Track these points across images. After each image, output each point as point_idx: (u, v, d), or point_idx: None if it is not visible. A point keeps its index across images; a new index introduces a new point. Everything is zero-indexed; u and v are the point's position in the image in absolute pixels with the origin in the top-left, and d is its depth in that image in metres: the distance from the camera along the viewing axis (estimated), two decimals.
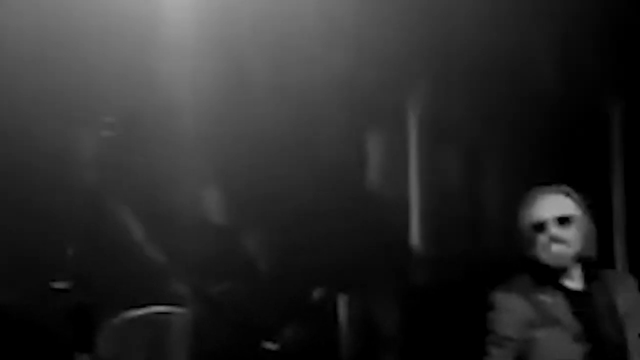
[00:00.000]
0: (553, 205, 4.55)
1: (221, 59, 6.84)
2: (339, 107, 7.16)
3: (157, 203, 6.67)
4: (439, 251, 7.27)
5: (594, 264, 4.60)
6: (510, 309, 4.50)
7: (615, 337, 4.42)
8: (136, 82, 5.72)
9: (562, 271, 4.51)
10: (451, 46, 7.24)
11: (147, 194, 6.62)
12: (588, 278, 4.54)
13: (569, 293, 4.51)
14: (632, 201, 7.30)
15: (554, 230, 4.49)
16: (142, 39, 6.54)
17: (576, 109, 7.30)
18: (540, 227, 4.51)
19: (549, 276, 4.50)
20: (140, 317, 6.20)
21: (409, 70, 7.26)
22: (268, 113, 6.92)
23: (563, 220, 4.51)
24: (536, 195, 4.61)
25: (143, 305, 6.23)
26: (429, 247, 7.30)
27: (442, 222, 7.31)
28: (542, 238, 4.49)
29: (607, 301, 4.47)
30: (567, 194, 4.61)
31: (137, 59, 6.40)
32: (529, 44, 7.38)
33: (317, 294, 6.42)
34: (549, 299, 4.47)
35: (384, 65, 7.18)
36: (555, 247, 4.48)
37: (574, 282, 4.55)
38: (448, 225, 7.29)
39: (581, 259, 4.55)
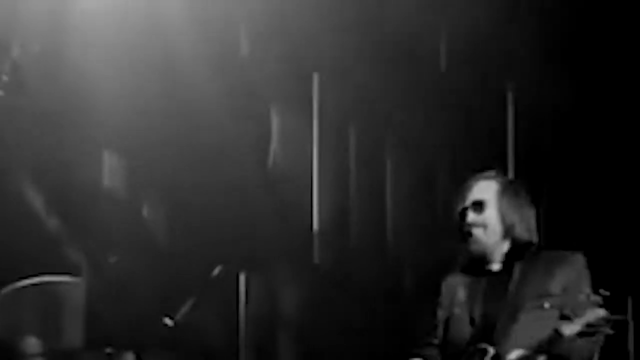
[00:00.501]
0: (469, 192, 4.53)
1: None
2: (245, 82, 7.10)
3: (57, 170, 6.52)
4: (342, 230, 7.25)
5: (539, 247, 4.55)
6: (444, 293, 4.59)
7: (497, 318, 4.39)
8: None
9: (490, 254, 4.48)
10: (354, 26, 7.25)
11: (47, 160, 6.47)
12: (511, 260, 4.49)
13: (489, 276, 4.49)
14: None
15: (470, 215, 4.47)
16: None
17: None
18: (462, 215, 4.50)
19: (476, 260, 4.50)
20: (33, 286, 6.05)
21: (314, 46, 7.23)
22: (171, 84, 6.84)
23: (477, 205, 4.49)
24: (463, 185, 4.59)
25: (36, 274, 6.08)
26: (332, 227, 7.28)
27: (344, 201, 7.28)
28: (463, 225, 4.50)
29: (522, 282, 4.41)
30: (488, 178, 4.57)
31: None
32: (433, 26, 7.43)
33: (217, 270, 6.29)
34: (472, 282, 4.49)
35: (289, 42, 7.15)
36: (473, 232, 4.47)
37: (498, 264, 4.52)
38: (351, 204, 7.26)
39: (516, 242, 4.50)
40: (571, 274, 4.40)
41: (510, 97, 7.71)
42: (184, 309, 5.82)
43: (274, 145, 7.26)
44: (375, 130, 7.51)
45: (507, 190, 4.54)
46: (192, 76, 6.83)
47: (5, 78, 4.65)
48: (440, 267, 7.45)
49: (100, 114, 6.66)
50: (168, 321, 5.76)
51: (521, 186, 4.63)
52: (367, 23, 7.31)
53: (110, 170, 6.80)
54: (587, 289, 4.31)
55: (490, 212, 4.48)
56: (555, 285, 4.39)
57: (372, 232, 7.24)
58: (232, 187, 6.96)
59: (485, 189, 4.53)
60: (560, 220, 6.68)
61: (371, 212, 7.30)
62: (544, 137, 7.62)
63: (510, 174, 7.63)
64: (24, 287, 6.04)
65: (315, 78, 7.47)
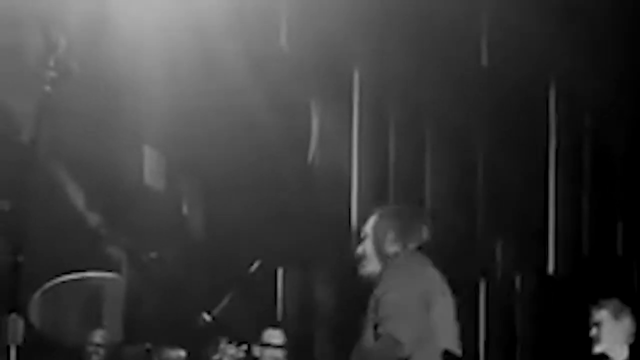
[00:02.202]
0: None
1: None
2: (286, 79, 7.12)
3: (99, 168, 6.58)
4: None
5: None
6: None
7: None
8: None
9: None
10: (393, 22, 7.25)
11: (88, 158, 6.53)
12: None
13: None
14: None
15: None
16: None
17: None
18: None
19: None
20: (74, 282, 6.11)
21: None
22: (212, 82, 6.87)
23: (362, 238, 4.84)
24: None
25: (77, 270, 6.14)
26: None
27: (383, 198, 7.29)
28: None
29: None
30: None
31: None
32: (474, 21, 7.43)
33: (255, 266, 6.33)
34: None
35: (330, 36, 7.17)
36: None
37: None
38: (390, 201, 7.27)
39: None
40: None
41: (552, 90, 7.71)
42: (222, 304, 5.87)
43: (313, 142, 7.29)
44: (415, 125, 7.52)
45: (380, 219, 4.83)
46: (233, 73, 6.86)
47: (53, 74, 4.68)
48: (477, 264, 7.54)
49: (141, 112, 6.71)
50: (206, 316, 5.82)
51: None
52: (407, 18, 7.31)
53: (151, 168, 6.85)
54: None
55: (368, 243, 4.80)
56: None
57: None
58: (272, 183, 7.00)
59: (369, 224, 4.85)
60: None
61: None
62: (586, 131, 7.63)
63: (552, 166, 7.65)
64: (66, 282, 6.11)
65: (355, 74, 7.48)
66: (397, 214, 4.87)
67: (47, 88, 4.64)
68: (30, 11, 6.23)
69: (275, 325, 6.25)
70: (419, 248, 4.77)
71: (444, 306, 4.67)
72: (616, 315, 5.64)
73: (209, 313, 5.85)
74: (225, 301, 5.90)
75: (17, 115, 6.26)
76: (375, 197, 7.28)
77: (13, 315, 4.40)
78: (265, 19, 7.07)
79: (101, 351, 5.94)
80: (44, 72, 4.64)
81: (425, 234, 4.81)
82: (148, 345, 5.83)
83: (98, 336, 6.04)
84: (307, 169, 7.23)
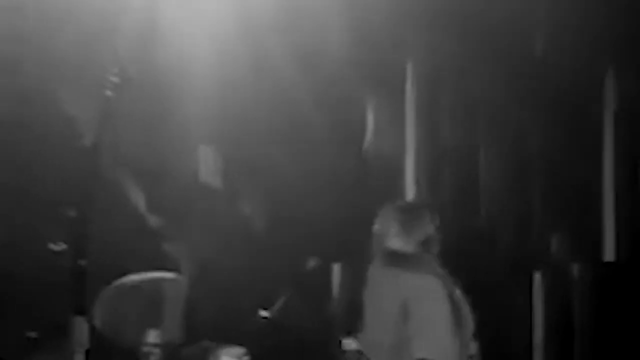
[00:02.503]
0: None
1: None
2: (339, 73, 7.12)
3: (155, 165, 6.62)
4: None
5: None
6: None
7: None
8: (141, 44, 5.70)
9: None
10: (447, 15, 7.23)
11: (145, 158, 6.58)
12: None
13: None
14: None
15: None
16: None
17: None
18: None
19: None
20: (136, 283, 6.15)
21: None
22: (265, 78, 6.89)
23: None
24: None
25: (138, 270, 6.18)
26: None
27: (437, 193, 7.29)
28: None
29: None
30: None
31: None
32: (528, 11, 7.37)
33: (311, 262, 6.37)
34: None
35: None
36: None
37: None
38: (443, 196, 7.26)
39: None
40: None
41: (608, 81, 7.64)
42: (280, 301, 5.91)
43: (368, 136, 7.29)
44: (469, 119, 7.49)
45: None
46: (286, 68, 6.88)
47: (115, 79, 4.76)
48: (532, 255, 7.51)
49: (196, 110, 6.75)
50: (264, 313, 5.86)
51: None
52: (460, 11, 7.28)
53: (208, 167, 6.89)
54: None
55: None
56: None
57: (465, 223, 7.24)
58: (327, 178, 7.01)
59: None
60: None
61: (465, 203, 7.30)
62: None
63: (609, 154, 7.59)
64: (127, 283, 6.16)
65: (409, 68, 7.46)
66: (401, 209, 4.88)
67: (109, 93, 4.72)
68: (92, 19, 6.31)
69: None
70: (425, 243, 4.76)
71: (432, 313, 4.62)
72: None
73: (266, 309, 5.90)
74: (282, 298, 5.94)
75: (79, 121, 6.33)
76: (430, 191, 7.27)
77: (79, 319, 4.47)
78: (316, 15, 7.07)
79: (158, 351, 5.99)
80: (106, 78, 4.72)
81: (429, 228, 4.81)
82: (206, 343, 5.88)
83: (154, 336, 6.08)
84: (361, 163, 7.23)
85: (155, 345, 5.94)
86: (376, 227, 4.87)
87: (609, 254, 7.61)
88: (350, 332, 6.10)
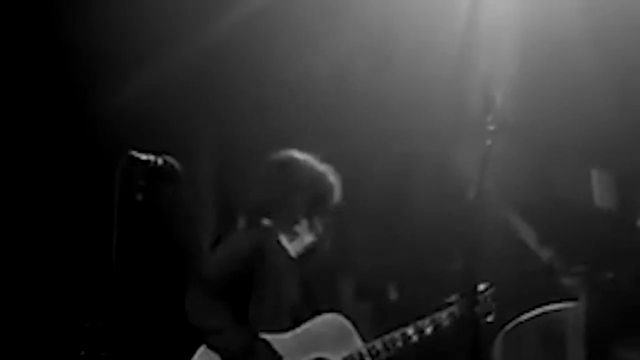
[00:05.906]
0: None
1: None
2: None
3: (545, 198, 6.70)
4: None
5: None
6: None
7: None
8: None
9: None
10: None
11: (534, 193, 6.66)
12: None
13: None
14: None
15: None
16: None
17: None
18: None
19: None
20: (534, 318, 6.23)
21: None
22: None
23: None
24: None
25: (535, 307, 6.26)
26: None
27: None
28: None
29: None
30: None
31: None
32: None
33: None
34: None
35: None
36: None
37: None
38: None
39: None
40: None
41: None
42: None
43: None
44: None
45: None
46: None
47: (492, 128, 4.94)
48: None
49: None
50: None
51: None
52: None
53: (601, 189, 6.84)
54: None
55: None
56: None
57: None
58: None
59: None
60: None
61: None
62: None
63: None
64: (526, 321, 6.25)
65: None
66: None
67: (488, 142, 4.89)
68: (471, 68, 6.49)
69: None
70: None
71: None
72: None
73: None
74: None
75: (463, 170, 6.53)
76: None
77: None
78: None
79: None
80: (484, 127, 4.88)
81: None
82: None
83: None
84: None
85: None
86: None
87: None
88: None
